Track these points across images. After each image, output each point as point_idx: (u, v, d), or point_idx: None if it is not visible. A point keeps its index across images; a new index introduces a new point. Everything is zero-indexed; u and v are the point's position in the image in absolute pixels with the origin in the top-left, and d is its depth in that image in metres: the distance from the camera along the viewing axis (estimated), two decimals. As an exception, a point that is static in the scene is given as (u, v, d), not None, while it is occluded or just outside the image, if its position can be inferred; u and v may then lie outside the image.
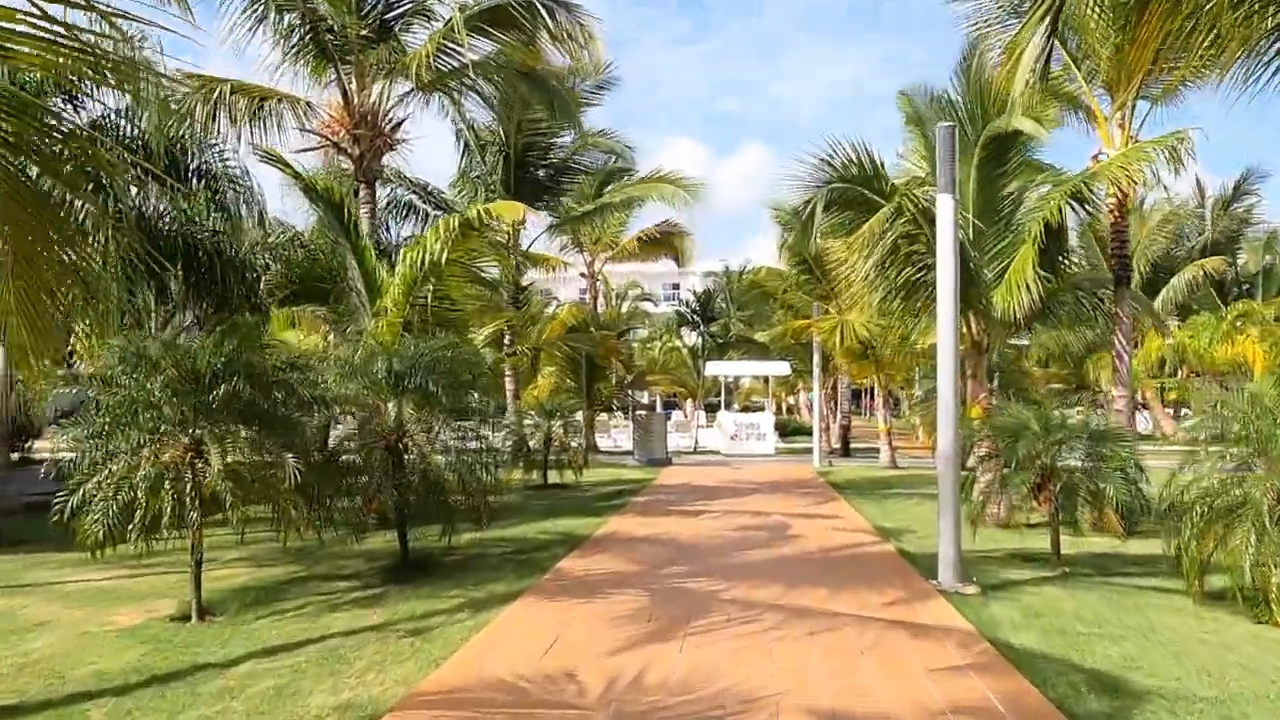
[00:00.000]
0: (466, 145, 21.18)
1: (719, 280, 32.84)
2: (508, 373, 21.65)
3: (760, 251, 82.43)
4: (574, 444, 18.11)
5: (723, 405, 31.07)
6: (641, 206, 28.10)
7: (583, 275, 28.68)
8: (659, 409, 60.71)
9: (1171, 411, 34.59)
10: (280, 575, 9.34)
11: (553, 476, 17.81)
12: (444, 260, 11.74)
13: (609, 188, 23.17)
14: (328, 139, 14.48)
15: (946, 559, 8.18)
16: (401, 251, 12.06)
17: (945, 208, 8.60)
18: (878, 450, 26.03)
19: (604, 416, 24.71)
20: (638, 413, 23.76)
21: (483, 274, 14.48)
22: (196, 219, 13.03)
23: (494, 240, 14.55)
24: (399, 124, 14.72)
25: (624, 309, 60.89)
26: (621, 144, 23.19)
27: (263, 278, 14.66)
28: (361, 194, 14.45)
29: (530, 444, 17.46)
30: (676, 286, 48.08)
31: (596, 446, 28.80)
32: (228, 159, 12.96)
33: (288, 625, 7.18)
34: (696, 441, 30.24)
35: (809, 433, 43.51)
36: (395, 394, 9.33)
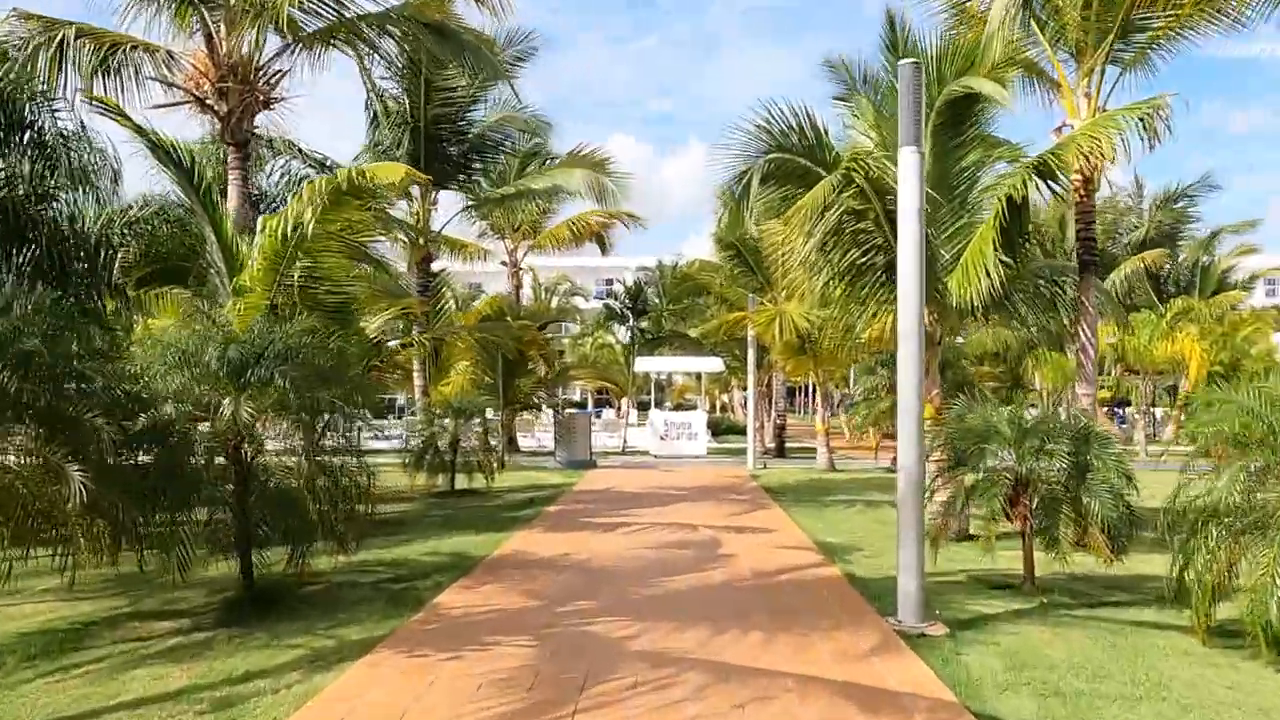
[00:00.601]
0: (375, 117, 19.24)
1: (651, 274, 31.24)
2: (416, 367, 19.77)
3: (698, 249, 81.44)
4: (490, 445, 16.36)
5: (653, 403, 29.50)
6: (569, 199, 26.52)
7: (503, 264, 26.86)
8: (590, 407, 59.09)
9: (1106, 410, 34.18)
10: (92, 613, 7.51)
11: (464, 481, 16.03)
12: (315, 231, 9.90)
13: (529, 170, 21.37)
14: (191, 93, 12.48)
15: (908, 595, 6.69)
16: (261, 220, 10.17)
17: (909, 166, 7.07)
18: (814, 450, 24.82)
19: (529, 415, 22.91)
20: (559, 411, 22.00)
21: (368, 250, 12.59)
22: (23, 184, 10.95)
23: (382, 213, 12.72)
24: (276, 78, 12.78)
25: (554, 303, 59.39)
26: (539, 120, 21.41)
27: (118, 255, 12.64)
28: (230, 158, 12.50)
29: (439, 445, 15.66)
30: (610, 282, 46.46)
31: (518, 446, 27.04)
32: (59, 114, 10.89)
33: (68, 689, 5.46)
34: (625, 441, 28.67)
35: (743, 431, 42.43)
36: (235, 389, 7.51)
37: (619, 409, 55.36)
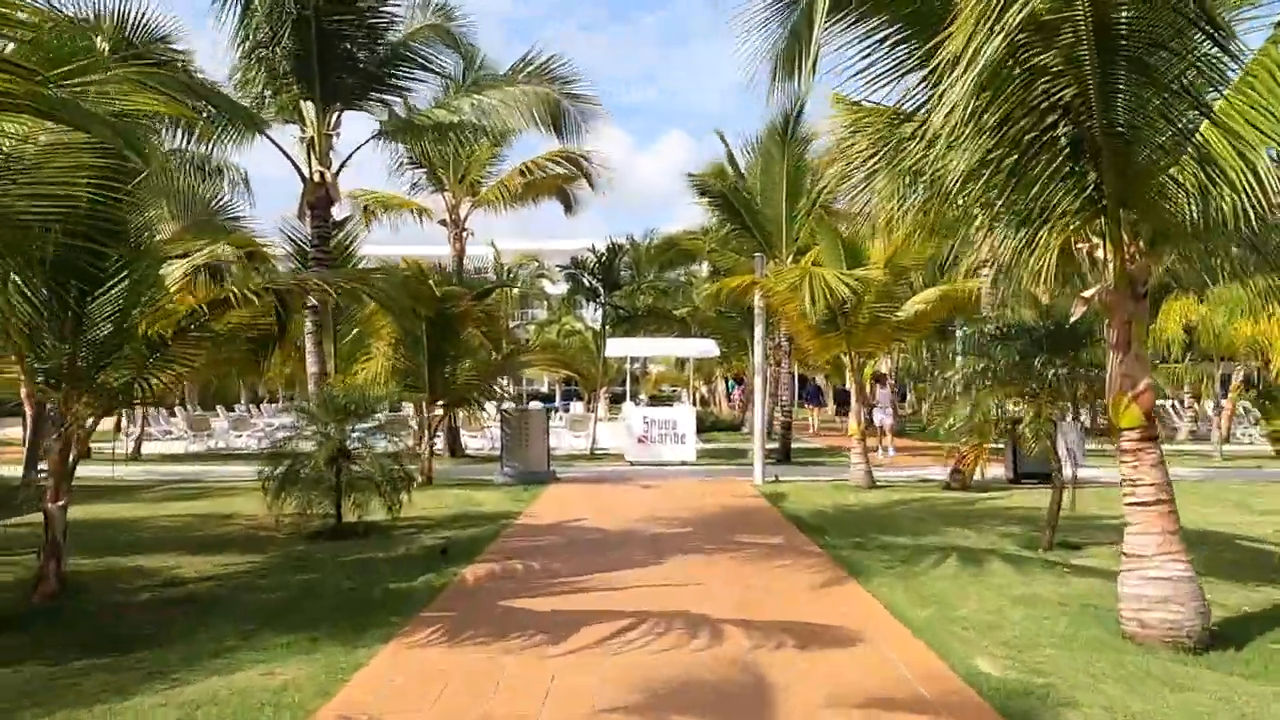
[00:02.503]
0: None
1: (624, 246, 26.03)
2: (309, 346, 14.51)
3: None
4: (397, 459, 11.18)
5: (628, 395, 24.37)
6: (518, 138, 21.27)
7: (441, 224, 21.59)
8: (558, 400, 53.69)
9: (1187, 409, 29.46)
10: None
11: (363, 510, 10.86)
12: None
13: (462, 90, 16.03)
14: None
15: None
16: None
17: None
18: (820, 452, 19.93)
19: (468, 412, 17.64)
20: (506, 409, 16.78)
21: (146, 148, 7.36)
22: None
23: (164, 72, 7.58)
24: None
25: (516, 284, 53.90)
26: (467, 43, 16.03)
27: None
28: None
29: (322, 460, 10.51)
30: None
31: (463, 449, 21.83)
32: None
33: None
34: (595, 441, 23.53)
35: (731, 427, 37.17)
36: None
37: (589, 402, 50.05)
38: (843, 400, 46.37)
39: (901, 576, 8.11)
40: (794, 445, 21.54)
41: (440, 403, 15.45)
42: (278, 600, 7.43)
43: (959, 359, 12.82)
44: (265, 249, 13.04)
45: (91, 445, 22.49)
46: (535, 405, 43.17)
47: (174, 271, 8.30)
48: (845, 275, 13.28)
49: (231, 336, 8.97)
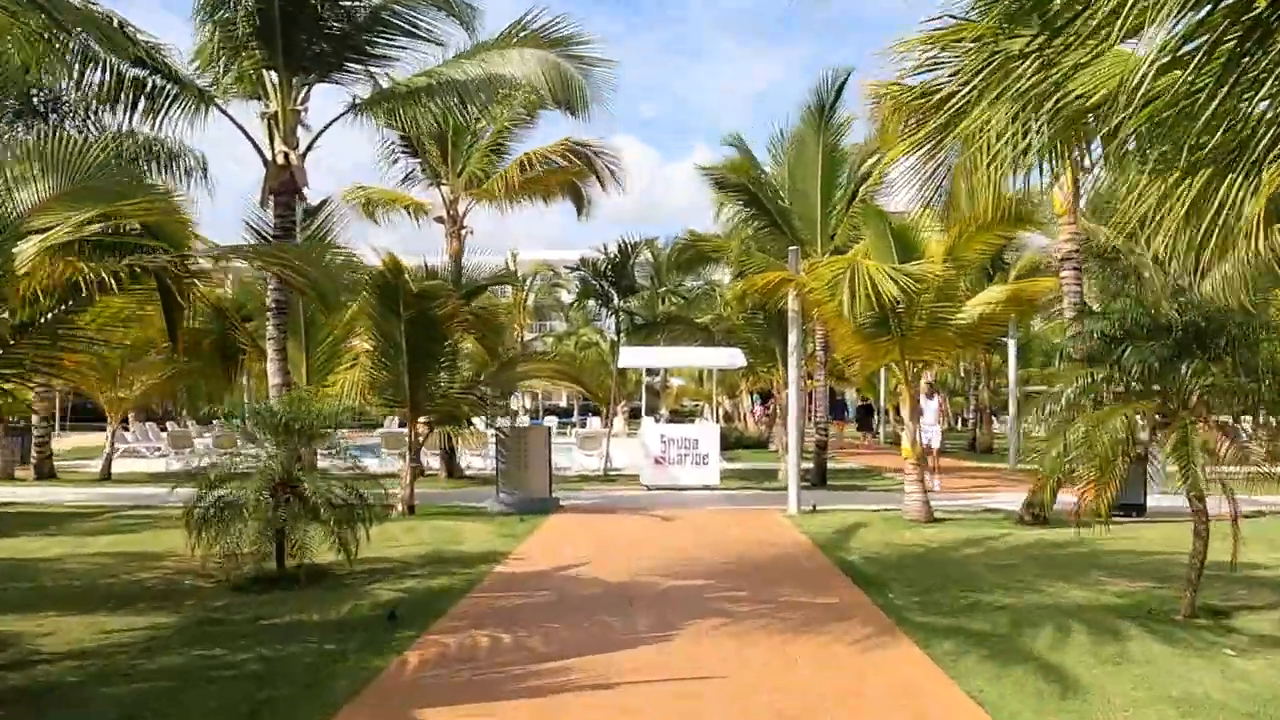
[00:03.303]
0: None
1: (639, 244, 23.78)
2: (270, 351, 12.49)
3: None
4: (357, 491, 9.07)
5: (644, 410, 22.16)
6: (526, 131, 19.29)
7: (439, 221, 19.56)
8: (576, 415, 51.52)
9: None
10: None
11: (308, 552, 8.77)
12: None
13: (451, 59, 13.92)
14: None
15: None
16: None
17: None
18: (853, 473, 17.65)
19: (456, 430, 15.38)
20: (500, 426, 14.62)
21: None
22: None
23: None
24: None
25: (532, 296, 52.01)
26: (463, 4, 13.87)
27: None
28: None
29: (253, 491, 8.44)
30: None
31: (459, 469, 19.72)
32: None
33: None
34: (608, 461, 21.35)
35: (757, 445, 34.82)
36: None
37: (605, 418, 47.86)
38: (864, 415, 43.80)
39: (1008, 662, 5.85)
40: (828, 465, 19.25)
41: (424, 419, 13.33)
42: (142, 696, 5.31)
43: (1057, 366, 10.55)
44: (184, 222, 11.01)
45: (58, 465, 20.76)
46: (531, 422, 40.99)
47: (25, 250, 6.25)
48: (898, 270, 11.06)
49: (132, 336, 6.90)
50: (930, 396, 18.31)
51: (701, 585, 8.41)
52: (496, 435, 14.29)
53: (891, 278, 10.88)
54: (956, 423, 37.18)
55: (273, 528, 8.56)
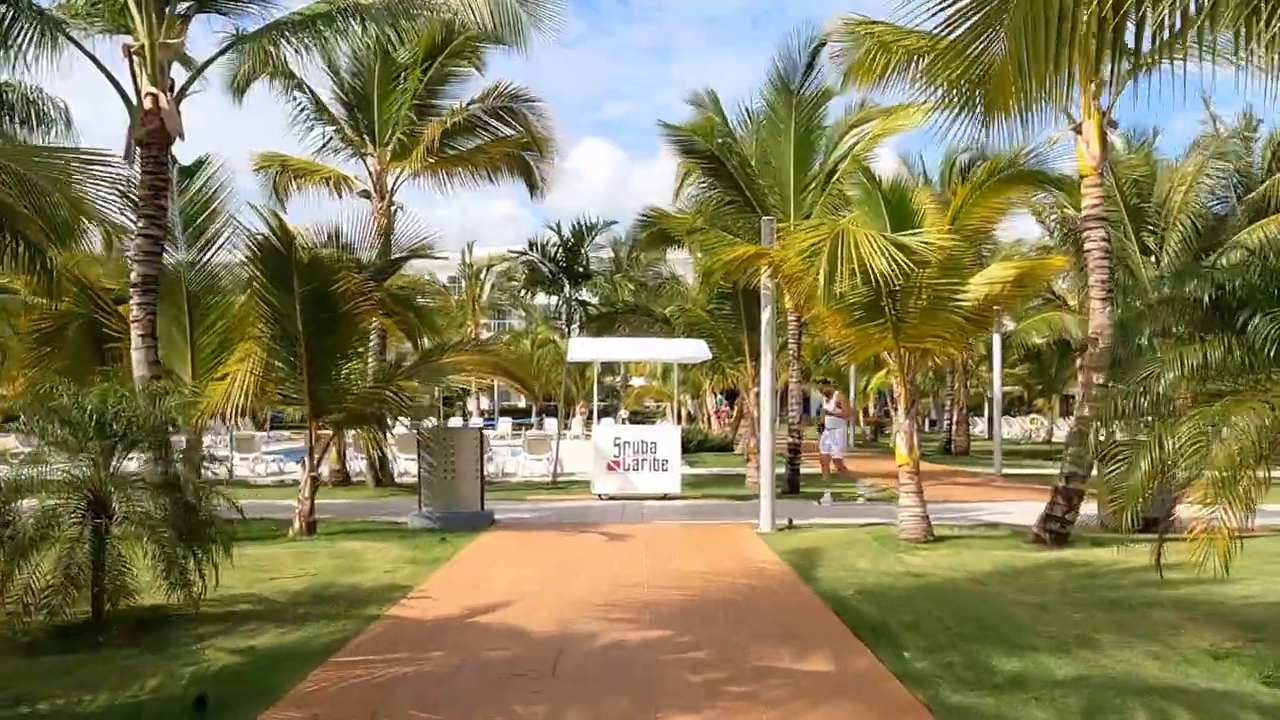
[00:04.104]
0: None
1: (595, 225, 21.56)
2: (135, 342, 10.23)
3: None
4: (194, 508, 6.89)
5: (594, 413, 19.94)
6: (456, 75, 17.13)
7: (365, 195, 17.29)
8: (533, 416, 49.04)
9: None
10: None
11: (154, 595, 6.60)
12: None
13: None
14: None
15: None
16: None
17: None
18: (817, 478, 15.68)
19: (367, 434, 13.08)
20: (423, 428, 12.39)
21: None
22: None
23: None
24: None
25: (485, 290, 49.60)
26: None
27: None
28: None
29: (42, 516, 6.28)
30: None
31: (389, 476, 17.49)
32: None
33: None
34: (559, 466, 19.23)
35: (718, 446, 32.75)
36: None
37: (564, 418, 45.42)
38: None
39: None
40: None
41: (327, 419, 11.09)
42: None
43: (1141, 344, 8.63)
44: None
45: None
46: (485, 423, 38.46)
47: None
48: (892, 240, 9.05)
49: None
50: (828, 395, 16.40)
51: (655, 641, 6.33)
52: (419, 440, 12.08)
53: (882, 250, 8.87)
54: (924, 425, 35.49)
55: (77, 561, 6.37)
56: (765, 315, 11.86)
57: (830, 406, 16.46)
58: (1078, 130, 10.08)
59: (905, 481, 10.41)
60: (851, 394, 38.44)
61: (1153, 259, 26.54)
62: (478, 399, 56.16)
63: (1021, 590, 7.72)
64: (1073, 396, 49.31)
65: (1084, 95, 10.03)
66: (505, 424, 37.96)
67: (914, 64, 10.94)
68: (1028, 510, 13.87)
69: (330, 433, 11.36)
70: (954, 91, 8.92)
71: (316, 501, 11.12)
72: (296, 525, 10.93)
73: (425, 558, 9.52)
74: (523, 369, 13.29)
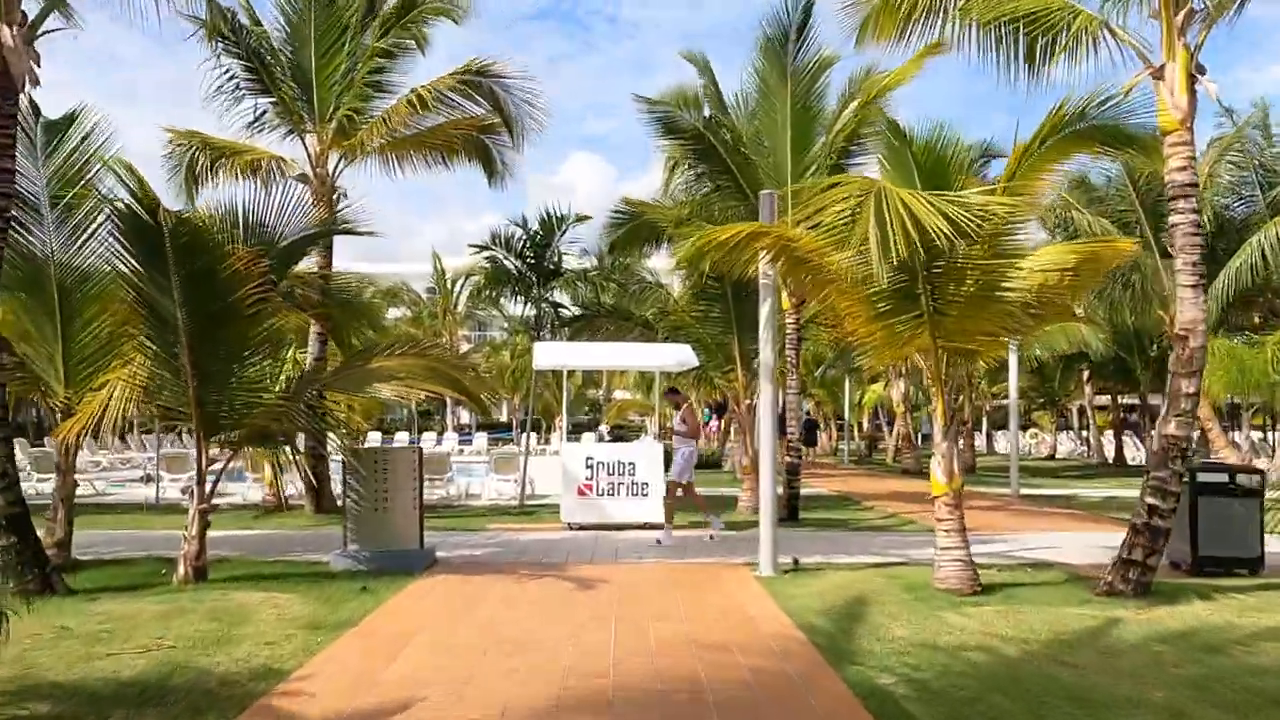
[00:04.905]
0: None
1: (567, 218, 19.38)
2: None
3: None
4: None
5: (563, 428, 17.76)
6: (410, 45, 15.04)
7: (302, 180, 15.08)
8: (514, 431, 46.74)
9: None
10: None
11: None
12: None
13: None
14: None
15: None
16: None
17: None
18: (835, 507, 13.56)
19: (269, 454, 10.71)
20: (351, 448, 10.11)
21: None
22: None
23: None
24: None
25: (461, 299, 47.28)
26: None
27: None
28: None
29: None
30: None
31: (328, 500, 15.24)
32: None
33: None
34: (528, 488, 17.06)
35: (704, 464, 30.35)
36: None
37: (541, 433, 43.08)
38: (808, 430, 39.31)
39: None
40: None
41: (222, 436, 8.88)
42: None
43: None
44: None
45: None
46: (458, 439, 35.88)
47: None
48: (944, 199, 6.98)
49: None
50: (677, 407, 13.45)
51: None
52: (344, 461, 9.87)
53: (936, 212, 6.79)
54: (917, 439, 33.41)
55: None
56: (765, 310, 9.75)
57: (677, 423, 13.10)
58: (1158, 75, 8.05)
59: (945, 517, 8.27)
60: (846, 408, 36.42)
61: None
62: (455, 414, 53.77)
63: (1134, 677, 5.58)
64: (1074, 410, 47.34)
65: (1165, 29, 8.00)
66: (482, 439, 35.65)
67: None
68: (1073, 543, 11.83)
69: (230, 453, 9.10)
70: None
71: (233, 533, 8.95)
72: (181, 571, 8.69)
73: (329, 619, 7.32)
74: (475, 381, 11.11)
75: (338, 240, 14.98)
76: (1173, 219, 8.04)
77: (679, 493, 12.50)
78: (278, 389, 9.29)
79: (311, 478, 14.18)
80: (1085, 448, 38.74)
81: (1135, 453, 34.13)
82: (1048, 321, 8.66)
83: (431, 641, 6.67)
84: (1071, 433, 44.67)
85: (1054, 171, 8.12)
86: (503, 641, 6.62)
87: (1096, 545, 11.47)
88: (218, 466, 8.94)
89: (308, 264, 14.35)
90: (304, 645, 6.50)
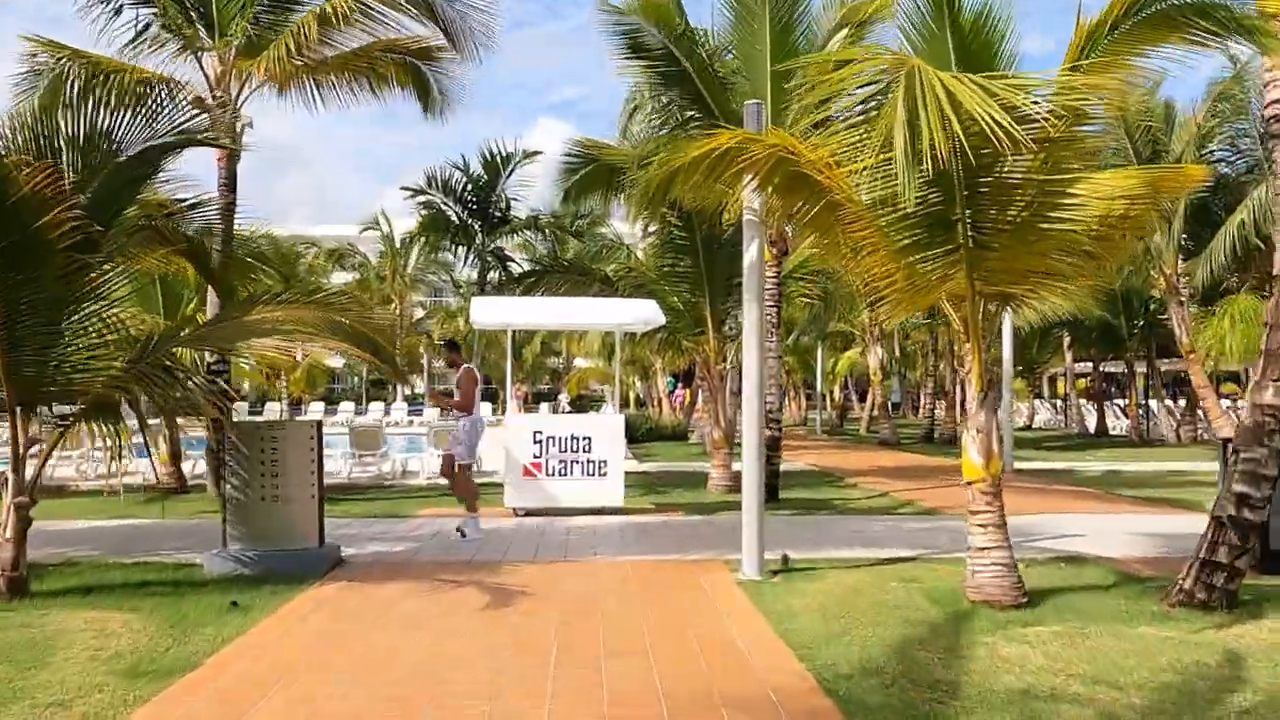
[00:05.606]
0: None
1: (514, 156, 17.22)
2: None
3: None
4: None
5: (507, 398, 15.82)
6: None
7: (199, 105, 12.78)
8: (509, 402, 44.55)
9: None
10: None
11: None
12: None
13: None
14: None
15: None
16: None
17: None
18: (817, 484, 11.82)
19: (94, 431, 8.63)
20: (228, 422, 8.06)
21: None
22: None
23: None
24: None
25: (411, 261, 44.80)
26: None
27: None
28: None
29: None
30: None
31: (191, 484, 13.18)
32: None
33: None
34: (474, 464, 15.03)
35: (671, 436, 28.71)
36: None
37: (501, 401, 40.99)
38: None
39: None
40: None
41: (40, 408, 6.83)
42: None
43: None
44: None
45: None
46: (392, 410, 33.60)
47: None
48: (997, 83, 5.12)
49: None
50: (452, 365, 10.58)
51: None
52: (220, 439, 7.85)
53: (985, 100, 4.91)
54: (889, 409, 31.67)
55: None
56: (751, 254, 7.84)
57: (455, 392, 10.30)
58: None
59: (982, 509, 6.50)
60: (819, 376, 34.68)
61: (1168, 224, 23.24)
62: (432, 383, 50.99)
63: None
64: (1055, 378, 45.98)
65: None
66: (434, 412, 33.51)
67: None
68: (1098, 529, 10.19)
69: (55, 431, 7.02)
70: None
71: (102, 523, 6.97)
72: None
73: (164, 657, 5.36)
74: (385, 337, 9.08)
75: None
76: (1277, 152, 6.25)
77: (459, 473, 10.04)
78: (129, 351, 7.19)
79: (176, 451, 12.04)
80: (1062, 418, 37.52)
81: (1115, 422, 32.95)
82: (1102, 264, 6.87)
83: (291, 698, 4.73)
84: (1045, 401, 43.53)
85: (1132, 68, 6.23)
86: (390, 699, 4.70)
87: (1127, 532, 9.86)
88: (37, 449, 6.87)
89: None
90: (106, 705, 4.54)
